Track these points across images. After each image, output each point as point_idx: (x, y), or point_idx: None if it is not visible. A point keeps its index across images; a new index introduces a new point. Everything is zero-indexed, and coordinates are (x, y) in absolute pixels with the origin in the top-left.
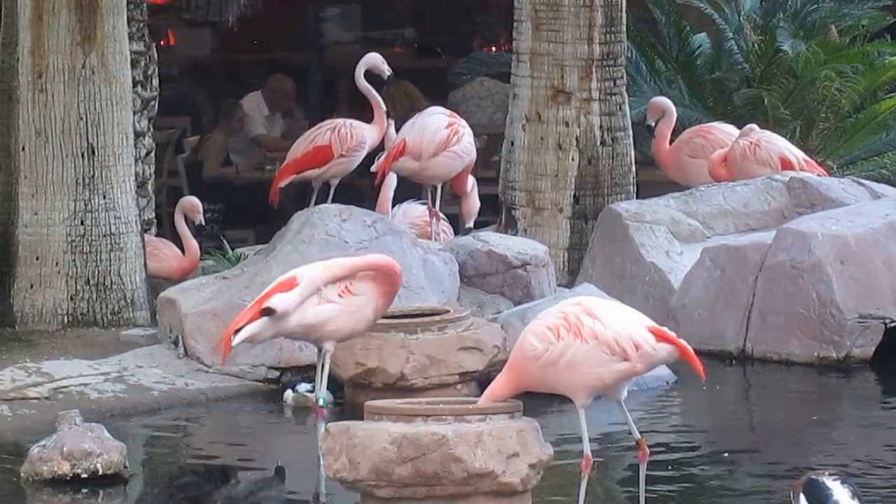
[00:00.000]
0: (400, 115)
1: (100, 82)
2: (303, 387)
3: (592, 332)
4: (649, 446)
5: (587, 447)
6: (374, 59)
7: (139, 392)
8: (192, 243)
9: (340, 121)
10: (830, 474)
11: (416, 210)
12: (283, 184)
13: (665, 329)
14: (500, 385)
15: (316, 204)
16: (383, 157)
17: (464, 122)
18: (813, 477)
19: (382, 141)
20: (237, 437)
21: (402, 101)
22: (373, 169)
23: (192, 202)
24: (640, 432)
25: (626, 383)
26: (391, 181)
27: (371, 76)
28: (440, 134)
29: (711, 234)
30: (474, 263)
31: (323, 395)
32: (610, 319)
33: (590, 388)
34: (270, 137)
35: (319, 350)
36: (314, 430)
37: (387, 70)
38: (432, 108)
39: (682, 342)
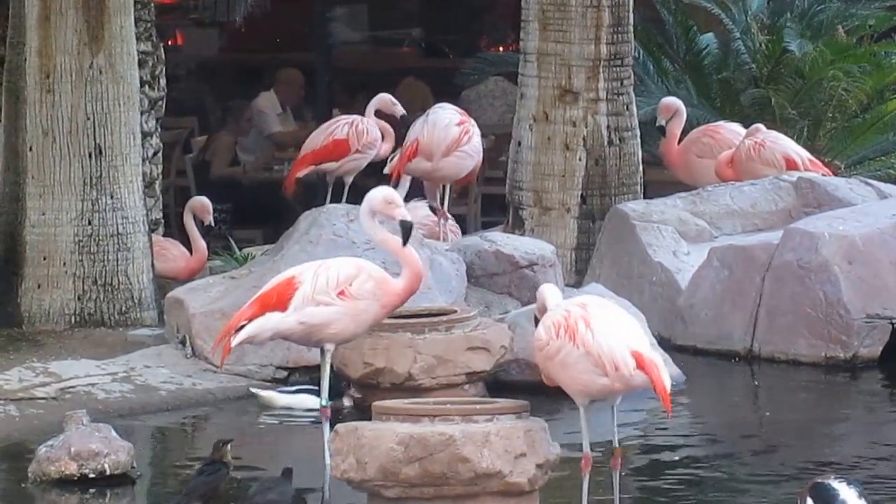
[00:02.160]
0: (409, 113)
1: (107, 82)
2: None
3: (583, 341)
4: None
5: (587, 446)
6: (384, 102)
7: (147, 392)
8: (201, 243)
9: (357, 117)
10: (836, 477)
11: (422, 210)
12: (300, 174)
13: (649, 358)
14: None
15: (330, 203)
16: (396, 158)
17: (472, 121)
18: (818, 480)
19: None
20: (245, 438)
21: (415, 99)
22: (386, 171)
23: (201, 202)
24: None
25: (616, 395)
26: (404, 185)
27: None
28: (451, 132)
29: (719, 234)
30: (482, 263)
31: (325, 395)
32: (601, 333)
33: (578, 391)
34: (288, 133)
35: (322, 351)
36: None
37: (399, 111)
38: (442, 104)
39: (659, 377)
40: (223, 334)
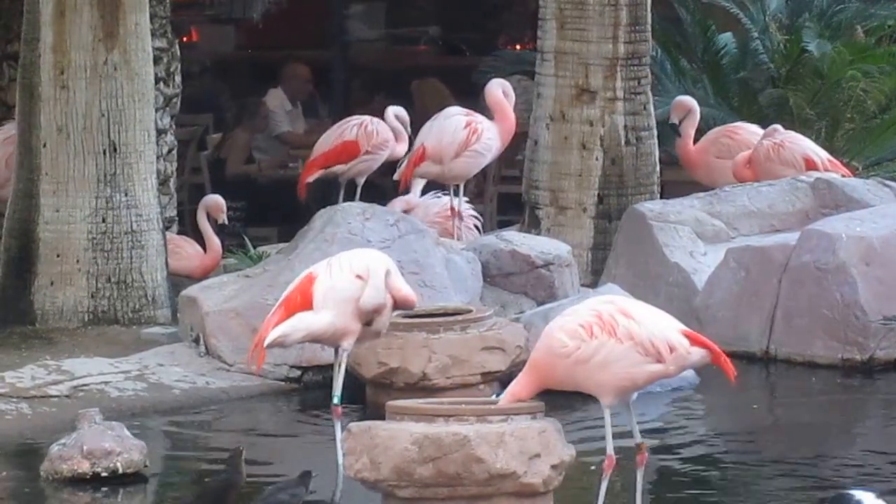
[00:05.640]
0: (429, 112)
1: (122, 79)
2: None
3: (628, 333)
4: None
5: (610, 447)
6: (403, 116)
7: (160, 391)
8: (215, 241)
9: (367, 118)
10: (857, 487)
11: (436, 206)
12: (311, 178)
13: (697, 333)
14: (521, 385)
15: (343, 202)
16: (405, 164)
17: (481, 118)
18: (841, 492)
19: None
20: (258, 437)
21: (432, 98)
22: (396, 177)
23: (215, 201)
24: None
25: (658, 380)
26: (418, 186)
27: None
28: (459, 135)
29: (736, 235)
30: (497, 263)
31: (339, 394)
32: (645, 320)
33: (619, 388)
34: (295, 134)
35: (336, 351)
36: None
37: (406, 134)
38: (449, 109)
39: (715, 346)
40: (255, 344)
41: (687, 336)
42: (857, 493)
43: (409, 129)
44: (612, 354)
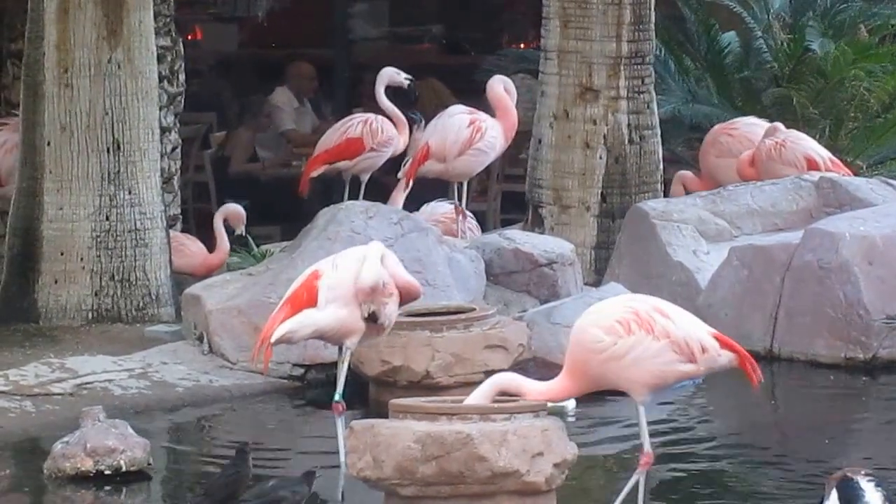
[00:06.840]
0: (428, 113)
1: (126, 77)
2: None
3: (665, 331)
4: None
5: (647, 444)
6: (389, 74)
7: (163, 389)
8: (225, 243)
9: (371, 115)
10: (866, 474)
11: (441, 207)
12: (314, 174)
13: (727, 337)
14: (555, 386)
15: (347, 200)
16: (409, 162)
17: (485, 117)
18: (849, 475)
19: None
20: (261, 435)
21: (431, 99)
22: (400, 175)
23: (237, 211)
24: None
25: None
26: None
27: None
28: (462, 134)
29: (739, 234)
30: (500, 261)
31: (340, 391)
32: (679, 320)
33: (651, 385)
34: (299, 133)
35: (340, 348)
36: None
37: (404, 80)
38: (453, 107)
39: (743, 350)
40: (260, 341)
41: (717, 339)
42: (862, 483)
43: (404, 82)
44: (647, 351)
